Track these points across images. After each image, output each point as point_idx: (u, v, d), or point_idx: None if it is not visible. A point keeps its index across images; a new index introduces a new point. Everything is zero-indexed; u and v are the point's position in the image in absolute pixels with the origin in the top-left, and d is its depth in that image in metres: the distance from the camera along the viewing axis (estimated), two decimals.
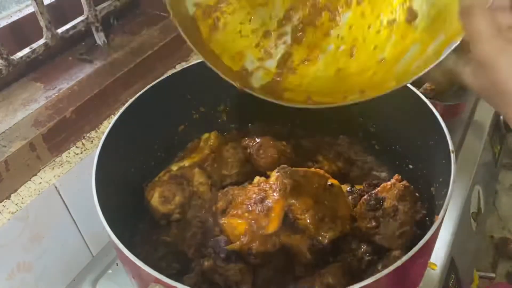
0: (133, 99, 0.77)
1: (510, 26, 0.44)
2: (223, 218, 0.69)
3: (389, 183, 0.72)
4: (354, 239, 0.70)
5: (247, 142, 0.86)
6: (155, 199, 0.78)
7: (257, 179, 0.71)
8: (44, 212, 0.81)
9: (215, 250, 0.68)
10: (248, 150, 0.85)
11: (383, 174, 0.85)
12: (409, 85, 0.75)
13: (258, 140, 0.85)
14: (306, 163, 0.85)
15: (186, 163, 0.86)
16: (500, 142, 1.22)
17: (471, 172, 1.01)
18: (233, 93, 0.90)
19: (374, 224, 0.69)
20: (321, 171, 0.71)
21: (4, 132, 0.76)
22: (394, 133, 0.83)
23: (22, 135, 0.75)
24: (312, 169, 0.71)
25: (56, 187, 0.81)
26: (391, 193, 0.70)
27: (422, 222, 0.70)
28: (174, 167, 0.85)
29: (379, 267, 0.65)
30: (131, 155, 0.80)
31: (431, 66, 0.49)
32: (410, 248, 0.55)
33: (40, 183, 0.78)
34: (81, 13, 0.89)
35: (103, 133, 0.72)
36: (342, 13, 0.62)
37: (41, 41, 0.83)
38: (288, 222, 0.66)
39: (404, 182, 0.72)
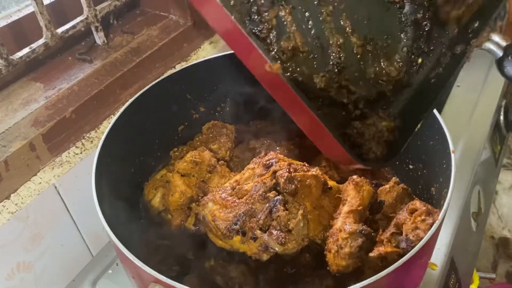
0: (133, 99, 0.77)
1: None
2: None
3: (387, 186, 0.72)
4: None
5: (254, 144, 0.87)
6: (155, 199, 0.78)
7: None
8: (44, 212, 0.81)
9: (215, 251, 0.68)
10: (257, 151, 0.85)
11: (383, 174, 0.85)
12: None
13: (266, 142, 0.87)
14: (308, 163, 0.86)
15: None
16: (500, 142, 1.22)
17: (471, 172, 1.01)
18: (233, 93, 0.91)
19: (374, 227, 0.69)
20: (320, 174, 0.71)
21: (4, 132, 0.76)
22: None
23: (22, 135, 0.75)
24: (311, 172, 0.70)
25: (56, 187, 0.81)
26: (390, 196, 0.70)
27: None
28: (174, 168, 0.85)
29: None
30: (131, 155, 0.80)
31: None
32: None
33: (40, 183, 0.78)
34: (80, 13, 0.89)
35: (103, 133, 0.72)
36: None
37: (41, 41, 0.83)
38: (288, 224, 0.65)
39: (402, 184, 0.72)
